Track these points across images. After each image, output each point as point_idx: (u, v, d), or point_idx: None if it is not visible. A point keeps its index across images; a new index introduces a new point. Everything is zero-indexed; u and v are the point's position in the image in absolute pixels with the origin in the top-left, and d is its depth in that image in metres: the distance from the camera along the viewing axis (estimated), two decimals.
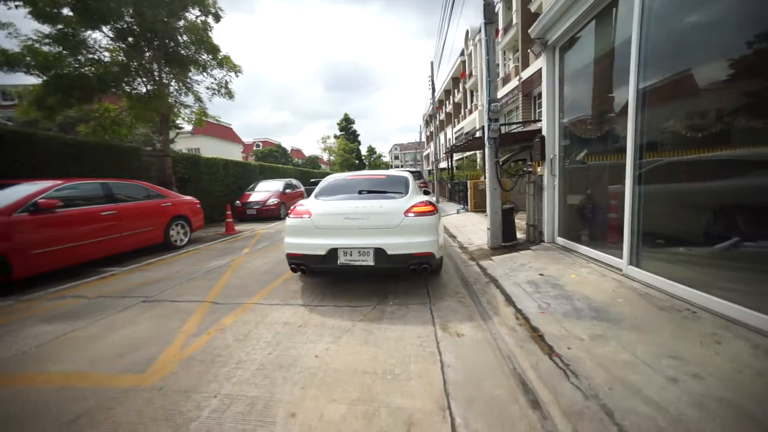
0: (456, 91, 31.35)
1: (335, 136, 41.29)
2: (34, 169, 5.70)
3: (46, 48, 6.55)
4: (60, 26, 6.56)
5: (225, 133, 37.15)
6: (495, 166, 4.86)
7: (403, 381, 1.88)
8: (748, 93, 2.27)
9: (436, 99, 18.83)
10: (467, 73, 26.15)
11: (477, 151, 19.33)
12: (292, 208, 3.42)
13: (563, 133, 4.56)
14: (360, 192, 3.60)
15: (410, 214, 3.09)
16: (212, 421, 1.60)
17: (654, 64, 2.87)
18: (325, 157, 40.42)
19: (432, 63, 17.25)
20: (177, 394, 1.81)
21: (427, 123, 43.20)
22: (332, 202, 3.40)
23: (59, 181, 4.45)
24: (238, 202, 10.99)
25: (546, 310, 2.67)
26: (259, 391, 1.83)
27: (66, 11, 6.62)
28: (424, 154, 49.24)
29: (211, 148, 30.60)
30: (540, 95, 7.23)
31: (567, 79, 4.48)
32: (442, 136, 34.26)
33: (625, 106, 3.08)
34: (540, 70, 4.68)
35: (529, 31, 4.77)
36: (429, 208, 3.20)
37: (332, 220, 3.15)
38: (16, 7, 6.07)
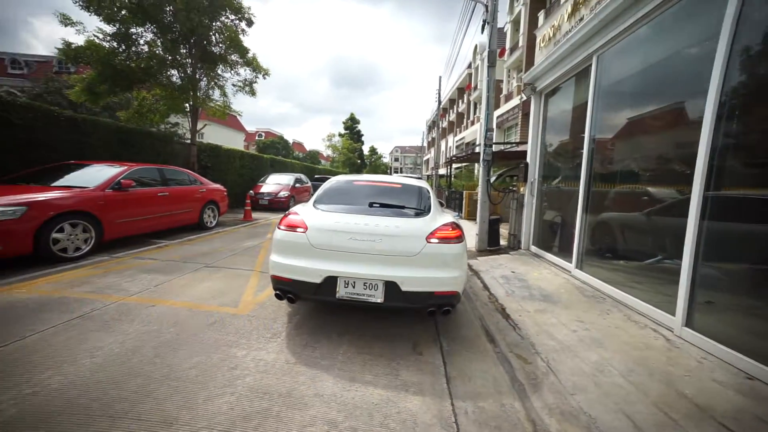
0: (461, 101, 32.52)
1: (340, 135, 42.25)
2: (95, 151, 6.61)
3: (106, 44, 7.47)
4: (118, 25, 7.47)
5: (229, 120, 37.61)
6: (486, 183, 5.93)
7: (411, 328, 2.91)
8: (656, 146, 3.37)
9: (440, 111, 19.90)
10: (473, 85, 27.30)
11: (476, 163, 20.52)
12: (282, 216, 2.81)
13: (543, 161, 5.65)
14: (371, 205, 2.94)
15: (434, 240, 2.52)
16: (294, 332, 2.63)
17: (601, 121, 3.97)
18: (326, 153, 41.35)
19: (440, 78, 18.35)
20: (266, 320, 2.82)
21: (430, 129, 44.38)
22: (335, 215, 2.75)
23: (126, 166, 5.36)
24: (251, 191, 11.91)
25: (511, 294, 3.73)
26: (318, 322, 2.85)
27: (123, 12, 7.54)
28: (425, 158, 50.50)
29: (215, 135, 31.10)
30: None
31: (549, 119, 5.58)
32: (443, 143, 35.42)
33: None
34: None
35: (522, 77, 5.86)
36: (456, 232, 2.63)
37: (334, 238, 2.52)
38: (94, 14, 7.05)
